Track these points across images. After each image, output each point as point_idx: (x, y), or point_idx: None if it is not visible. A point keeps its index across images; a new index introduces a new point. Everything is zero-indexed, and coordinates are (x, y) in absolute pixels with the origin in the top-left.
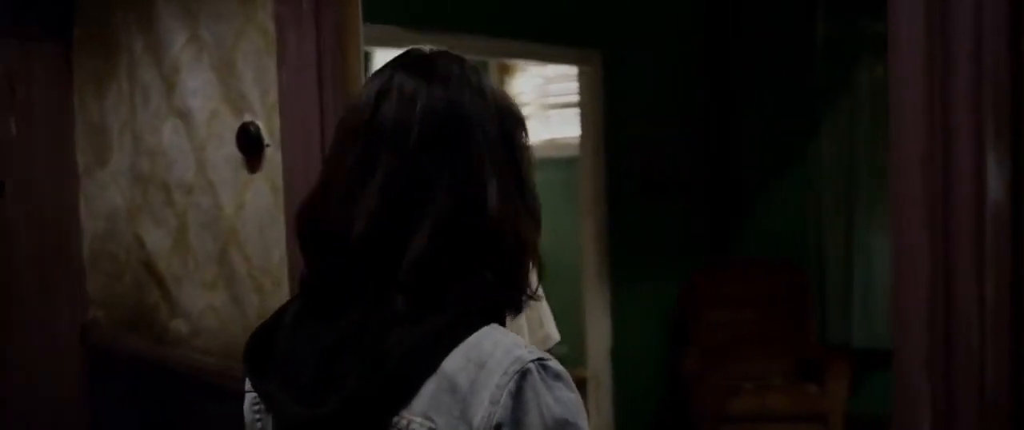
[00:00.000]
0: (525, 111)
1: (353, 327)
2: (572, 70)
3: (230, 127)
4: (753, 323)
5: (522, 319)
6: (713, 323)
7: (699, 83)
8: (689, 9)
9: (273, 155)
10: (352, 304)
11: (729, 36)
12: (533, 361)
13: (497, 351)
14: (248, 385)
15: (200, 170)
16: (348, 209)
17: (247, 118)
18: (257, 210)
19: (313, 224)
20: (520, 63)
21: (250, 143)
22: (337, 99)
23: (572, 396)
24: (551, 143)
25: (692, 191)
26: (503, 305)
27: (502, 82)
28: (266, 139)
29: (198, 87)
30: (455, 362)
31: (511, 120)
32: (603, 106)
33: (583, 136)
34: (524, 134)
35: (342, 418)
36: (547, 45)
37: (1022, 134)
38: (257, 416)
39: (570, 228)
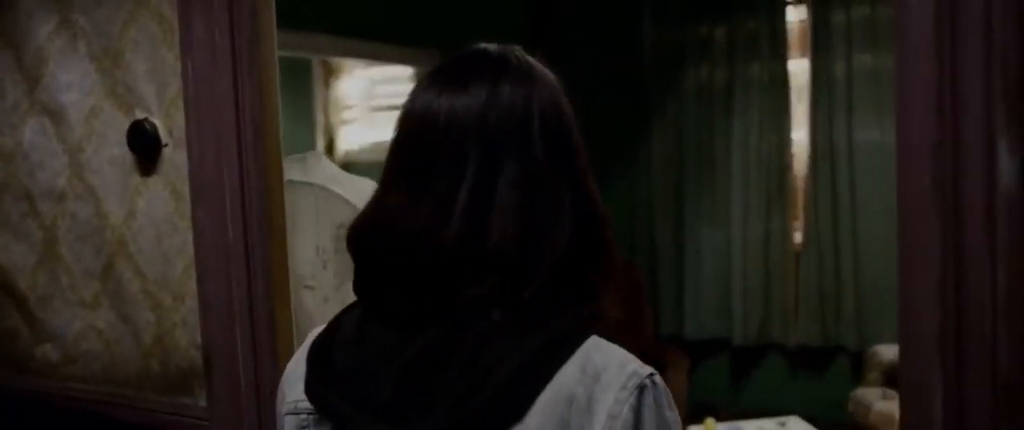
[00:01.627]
0: (351, 115)
1: (441, 339)
2: (400, 72)
3: (117, 125)
4: None
5: None
6: None
7: None
8: (519, 14)
9: (173, 156)
10: (436, 315)
11: (558, 41)
12: (648, 377)
13: (611, 364)
14: (291, 406)
15: (76, 175)
16: (473, 222)
17: (140, 115)
18: (153, 218)
19: (400, 236)
20: (347, 65)
21: (145, 143)
22: (254, 90)
23: (675, 416)
24: (378, 147)
25: None
26: (601, 315)
27: (327, 84)
28: (164, 138)
29: (73, 81)
30: (570, 374)
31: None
32: None
33: None
34: None
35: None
36: (385, 44)
37: None
38: None
39: None
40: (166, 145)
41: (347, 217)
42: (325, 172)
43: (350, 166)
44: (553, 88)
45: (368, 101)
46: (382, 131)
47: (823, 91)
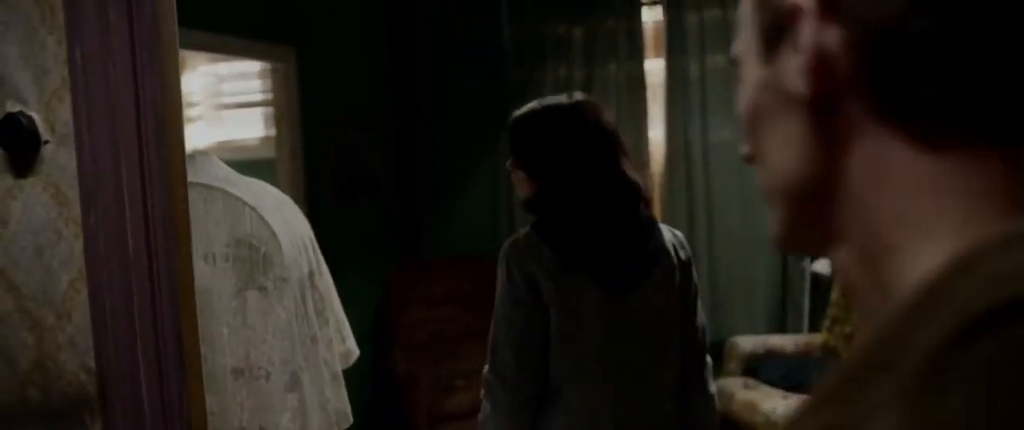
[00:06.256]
0: (195, 112)
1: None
2: (248, 68)
3: None
4: (456, 319)
5: (330, 331)
6: (417, 323)
7: (388, 84)
8: (377, 10)
9: (56, 154)
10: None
11: (415, 37)
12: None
13: (677, 232)
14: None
15: None
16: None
17: (13, 107)
18: (31, 226)
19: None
20: (190, 59)
21: (20, 139)
22: (156, 79)
23: None
24: (226, 145)
25: (386, 192)
26: None
27: None
28: (44, 134)
29: None
30: (668, 235)
31: None
32: (299, 106)
33: (278, 138)
34: None
35: (645, 266)
36: (234, 37)
37: None
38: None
39: None
40: (47, 142)
41: (248, 221)
42: (217, 173)
43: None
44: None
45: (214, 98)
46: (230, 130)
47: (678, 91)
